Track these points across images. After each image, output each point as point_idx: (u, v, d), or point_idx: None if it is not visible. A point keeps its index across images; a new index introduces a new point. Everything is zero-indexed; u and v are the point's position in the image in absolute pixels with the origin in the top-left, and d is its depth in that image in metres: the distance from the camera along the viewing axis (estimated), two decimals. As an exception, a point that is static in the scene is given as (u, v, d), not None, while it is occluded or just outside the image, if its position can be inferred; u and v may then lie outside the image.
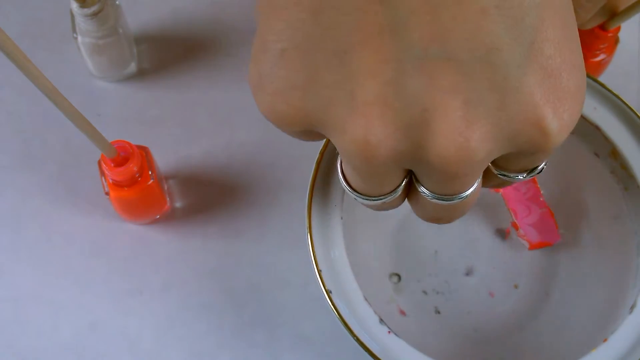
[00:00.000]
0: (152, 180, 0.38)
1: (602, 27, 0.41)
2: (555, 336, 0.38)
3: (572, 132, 0.38)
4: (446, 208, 0.23)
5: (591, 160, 0.38)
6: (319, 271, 0.32)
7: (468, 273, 0.41)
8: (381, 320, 0.32)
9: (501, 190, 0.41)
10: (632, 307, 0.33)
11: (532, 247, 0.41)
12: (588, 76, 0.36)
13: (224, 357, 0.40)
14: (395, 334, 0.32)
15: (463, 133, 0.19)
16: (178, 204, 0.43)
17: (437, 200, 0.22)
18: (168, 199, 0.42)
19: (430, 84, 0.19)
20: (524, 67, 0.19)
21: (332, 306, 0.32)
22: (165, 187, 0.43)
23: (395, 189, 0.23)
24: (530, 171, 0.23)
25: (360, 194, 0.23)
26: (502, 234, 0.42)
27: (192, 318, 0.40)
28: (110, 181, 0.37)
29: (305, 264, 0.41)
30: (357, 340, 0.31)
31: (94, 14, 0.40)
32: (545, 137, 0.20)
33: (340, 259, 0.33)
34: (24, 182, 0.43)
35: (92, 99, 0.45)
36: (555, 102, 0.20)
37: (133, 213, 0.41)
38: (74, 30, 0.42)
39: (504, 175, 0.23)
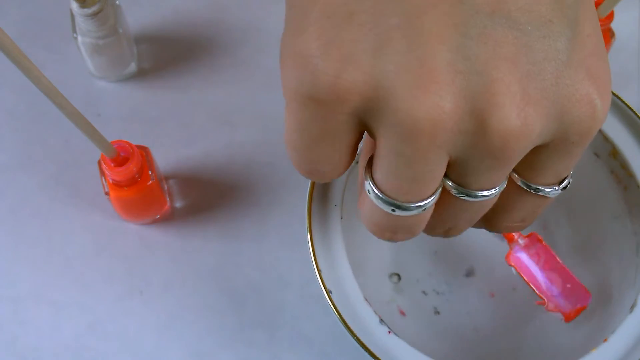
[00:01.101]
0: (152, 180, 0.38)
1: None
2: (554, 336, 0.38)
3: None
4: (464, 210, 0.23)
5: (591, 160, 0.38)
6: (319, 271, 0.32)
7: (468, 274, 0.41)
8: (381, 320, 0.32)
9: (514, 265, 0.38)
10: (632, 307, 0.33)
11: (568, 318, 0.37)
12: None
13: (224, 357, 0.40)
14: (395, 334, 0.32)
15: (525, 108, 0.19)
16: (178, 204, 0.43)
17: (463, 197, 0.22)
18: (168, 199, 0.42)
19: (494, 52, 0.19)
20: (572, 42, 0.20)
21: (332, 306, 0.32)
22: (165, 187, 0.43)
23: (435, 191, 0.22)
24: (560, 183, 0.23)
25: (398, 201, 0.22)
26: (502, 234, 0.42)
27: (192, 318, 0.40)
28: (110, 181, 0.37)
29: (305, 264, 0.41)
30: (357, 340, 0.31)
31: (94, 14, 0.40)
32: (594, 114, 0.20)
33: (340, 259, 0.33)
34: (24, 182, 0.43)
35: (92, 99, 0.45)
36: (597, 80, 0.20)
37: (133, 213, 0.41)
38: (74, 30, 0.42)
39: (537, 189, 0.23)
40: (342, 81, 0.19)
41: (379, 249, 0.41)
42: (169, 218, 0.43)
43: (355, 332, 0.31)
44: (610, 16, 0.41)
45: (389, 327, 0.32)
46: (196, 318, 0.40)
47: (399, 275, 0.41)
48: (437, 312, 0.40)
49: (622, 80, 0.47)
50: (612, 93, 0.36)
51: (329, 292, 0.32)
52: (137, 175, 0.37)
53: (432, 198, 0.22)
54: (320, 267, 0.32)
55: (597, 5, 0.41)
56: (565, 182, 0.24)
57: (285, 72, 0.20)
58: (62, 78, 0.45)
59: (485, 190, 0.22)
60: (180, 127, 0.45)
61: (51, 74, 0.30)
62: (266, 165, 0.44)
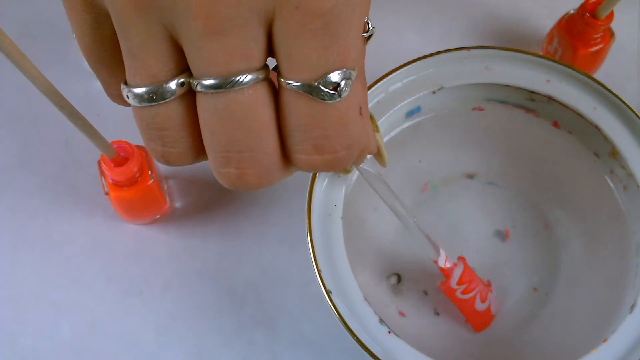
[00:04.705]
0: (152, 180, 0.38)
1: (594, 15, 0.41)
2: (555, 336, 0.39)
3: (572, 132, 0.38)
4: (222, 117, 0.21)
5: (591, 160, 0.38)
6: (319, 271, 0.32)
7: (468, 273, 0.41)
8: (381, 321, 0.32)
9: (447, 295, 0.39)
10: (632, 307, 0.33)
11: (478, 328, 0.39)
12: (588, 76, 0.36)
13: (224, 357, 0.40)
14: (395, 334, 0.32)
15: None
16: (178, 204, 0.43)
17: (212, 91, 0.20)
18: (168, 199, 0.42)
19: None
20: None
21: (332, 306, 0.32)
22: (165, 187, 0.43)
23: (167, 81, 0.21)
24: (322, 77, 0.20)
25: (131, 86, 0.21)
26: (502, 234, 0.42)
27: (192, 318, 0.40)
28: (110, 181, 0.37)
29: (305, 264, 0.41)
30: (357, 340, 0.31)
31: (94, 14, 0.40)
32: None
33: (340, 259, 0.33)
34: (24, 182, 0.43)
35: (92, 99, 0.45)
36: None
37: (133, 213, 0.41)
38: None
39: (297, 85, 0.20)
40: None
41: (379, 249, 0.41)
42: (169, 218, 0.43)
43: (355, 332, 0.31)
44: (610, 16, 0.41)
45: (389, 327, 0.32)
46: (196, 318, 0.40)
47: (399, 275, 0.41)
48: (437, 313, 0.40)
49: (622, 80, 0.47)
50: (612, 93, 0.36)
51: (329, 292, 0.32)
52: (137, 175, 0.37)
53: (168, 84, 0.21)
54: (320, 267, 0.32)
55: (597, 5, 0.41)
56: (335, 77, 0.20)
57: None
58: (62, 78, 0.45)
59: (222, 76, 0.20)
60: (180, 127, 0.45)
61: (51, 74, 0.30)
62: (266, 165, 0.44)
